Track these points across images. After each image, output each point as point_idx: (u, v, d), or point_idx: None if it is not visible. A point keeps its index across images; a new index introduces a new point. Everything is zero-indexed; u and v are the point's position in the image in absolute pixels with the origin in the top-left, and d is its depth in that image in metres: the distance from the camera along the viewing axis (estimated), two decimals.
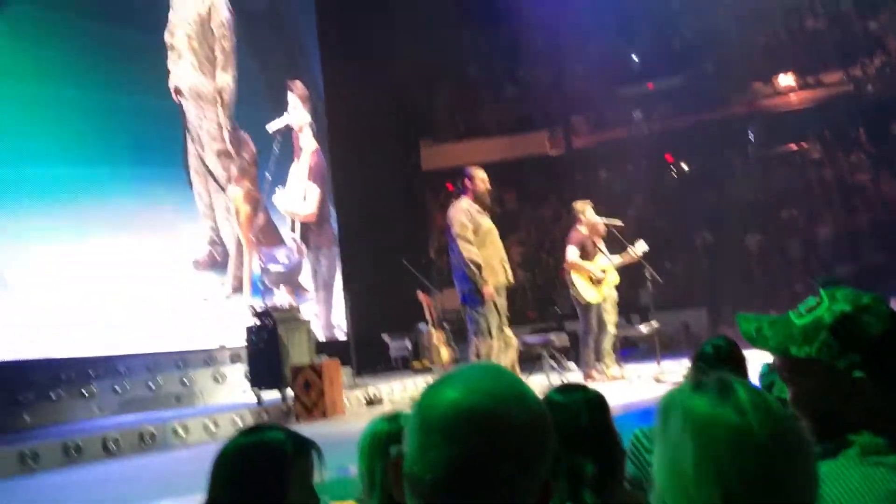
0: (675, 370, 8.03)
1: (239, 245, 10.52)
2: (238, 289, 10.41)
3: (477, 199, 7.08)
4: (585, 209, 8.82)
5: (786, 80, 18.03)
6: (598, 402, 1.90)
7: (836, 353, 1.26)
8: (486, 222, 7.03)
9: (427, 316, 11.06)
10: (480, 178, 7.13)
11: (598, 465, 1.75)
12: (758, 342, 1.35)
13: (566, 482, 1.73)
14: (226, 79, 10.62)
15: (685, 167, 19.42)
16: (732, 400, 0.98)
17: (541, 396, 1.70)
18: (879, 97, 17.22)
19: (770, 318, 1.36)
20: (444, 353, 10.88)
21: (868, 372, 1.24)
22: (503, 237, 7.48)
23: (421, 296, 11.16)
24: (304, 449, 1.66)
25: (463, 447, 0.91)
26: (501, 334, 6.89)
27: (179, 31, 10.17)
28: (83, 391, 8.19)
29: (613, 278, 8.76)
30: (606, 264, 8.61)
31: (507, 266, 7.16)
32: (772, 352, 1.34)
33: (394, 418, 2.10)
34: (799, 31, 18.85)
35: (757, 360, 3.41)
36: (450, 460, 0.91)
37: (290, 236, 11.45)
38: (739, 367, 2.84)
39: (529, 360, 8.49)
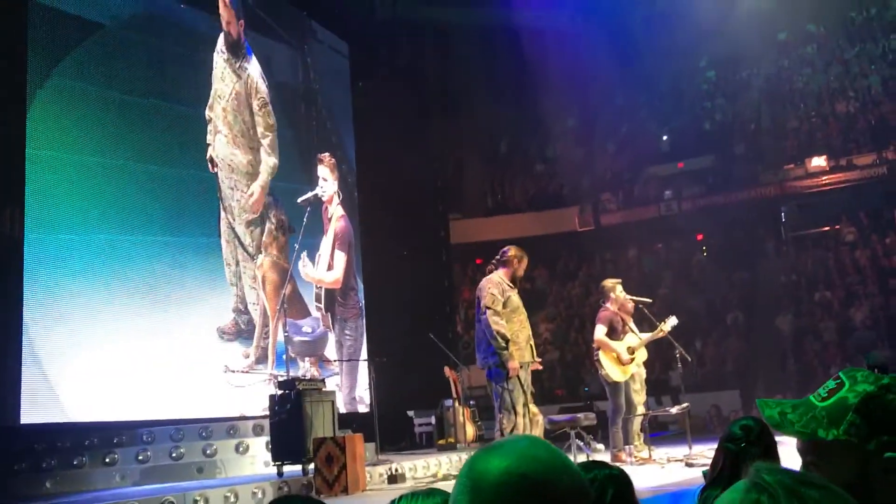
0: (706, 453, 7.86)
1: (264, 314, 10.59)
2: (262, 359, 10.44)
3: (513, 275, 7.15)
4: (615, 287, 8.81)
5: (818, 161, 18.09)
6: (621, 478, 1.89)
7: (865, 433, 1.24)
8: (516, 298, 7.06)
9: (453, 392, 10.97)
10: (524, 258, 7.22)
11: None
12: (783, 427, 1.33)
13: None
14: (265, 152, 10.91)
15: (716, 247, 19.35)
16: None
17: None
18: None
19: (791, 402, 1.35)
20: (470, 431, 10.75)
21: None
22: (532, 314, 7.49)
23: (447, 371, 11.10)
24: None
25: None
26: (527, 411, 6.83)
27: (217, 105, 10.51)
28: (106, 459, 8.17)
29: (643, 356, 8.69)
30: (635, 342, 8.56)
31: (533, 344, 7.15)
32: (798, 436, 1.32)
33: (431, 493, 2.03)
34: (830, 114, 19.00)
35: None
36: None
37: (315, 306, 11.52)
38: (770, 448, 2.77)
39: (556, 439, 8.36)
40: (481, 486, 1.00)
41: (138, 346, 8.97)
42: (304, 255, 11.20)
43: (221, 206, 10.42)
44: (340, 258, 11.90)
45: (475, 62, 18.70)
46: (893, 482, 1.22)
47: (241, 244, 10.57)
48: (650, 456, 8.21)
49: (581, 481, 1.03)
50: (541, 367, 7.25)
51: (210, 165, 10.29)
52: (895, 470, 1.22)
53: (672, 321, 8.59)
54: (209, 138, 10.34)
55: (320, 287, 11.64)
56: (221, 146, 10.45)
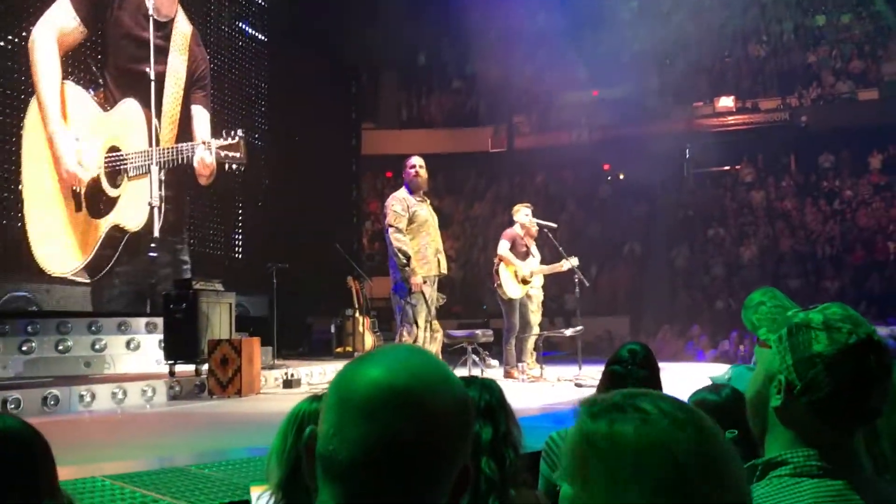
0: (595, 375, 8.13)
1: None
2: None
3: (412, 187, 7.06)
4: (519, 210, 8.91)
5: (726, 102, 18.50)
6: (490, 383, 2.06)
7: (781, 350, 1.25)
8: (424, 212, 7.00)
9: (355, 302, 10.97)
10: (417, 165, 7.11)
11: (493, 431, 1.91)
12: (747, 311, 1.36)
13: None
14: None
15: (621, 178, 19.71)
16: (632, 415, 0.93)
17: None
18: (812, 128, 17.84)
19: (785, 302, 1.35)
20: (369, 340, 10.82)
21: (790, 381, 1.22)
22: None
23: (350, 281, 11.06)
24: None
25: (382, 426, 0.87)
26: (429, 325, 6.89)
27: None
28: None
29: (540, 279, 8.85)
30: (535, 268, 8.69)
31: (442, 257, 7.16)
32: (749, 325, 1.36)
33: (319, 398, 2.06)
34: (743, 56, 19.37)
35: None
36: (368, 439, 0.87)
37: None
38: (653, 372, 2.88)
39: (453, 353, 8.50)
40: (348, 397, 0.90)
41: None
42: None
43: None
44: None
45: None
46: (784, 407, 1.23)
47: None
48: (542, 374, 8.43)
49: (462, 399, 0.93)
50: (443, 300, 7.29)
51: None
52: (783, 394, 1.24)
53: (573, 261, 8.78)
54: None
55: None
56: None
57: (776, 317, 1.31)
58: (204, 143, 8.78)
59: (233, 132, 8.76)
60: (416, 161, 7.18)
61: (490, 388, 2.07)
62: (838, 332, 1.21)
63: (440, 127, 20.19)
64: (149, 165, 8.65)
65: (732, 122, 18.42)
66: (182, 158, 8.84)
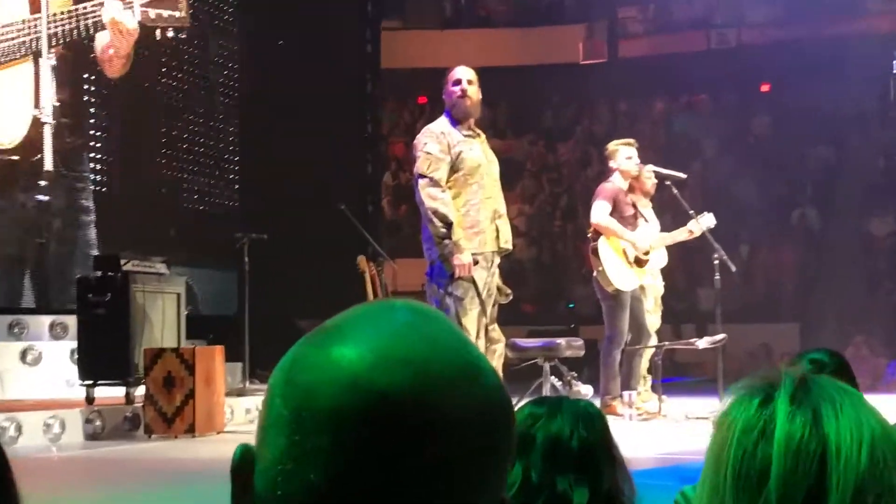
0: None
1: None
2: None
3: (458, 115, 7.01)
4: (616, 151, 8.83)
5: None
6: (588, 410, 2.07)
7: None
8: (475, 153, 6.93)
9: (369, 293, 10.99)
10: (464, 79, 7.06)
11: (593, 488, 1.93)
12: None
13: None
14: None
15: (788, 106, 19.35)
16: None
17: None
18: None
19: None
20: None
21: None
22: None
23: (363, 263, 11.09)
24: None
25: (363, 445, 0.82)
26: (483, 330, 6.83)
27: None
28: None
29: (661, 260, 8.79)
30: (654, 239, 8.65)
31: (505, 224, 7.09)
32: None
33: None
34: None
35: None
36: (338, 465, 0.82)
37: None
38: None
39: (522, 374, 8.49)
40: (310, 406, 0.84)
41: None
42: None
43: None
44: None
45: None
46: None
47: None
48: (660, 409, 8.41)
49: (493, 398, 0.87)
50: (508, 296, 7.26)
51: None
52: None
53: (708, 219, 8.73)
54: None
55: None
56: None
57: None
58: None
59: None
60: (463, 74, 7.16)
61: (588, 418, 2.06)
62: None
63: (504, 26, 20.09)
64: (29, 44, 8.53)
65: None
66: (82, 29, 8.68)
